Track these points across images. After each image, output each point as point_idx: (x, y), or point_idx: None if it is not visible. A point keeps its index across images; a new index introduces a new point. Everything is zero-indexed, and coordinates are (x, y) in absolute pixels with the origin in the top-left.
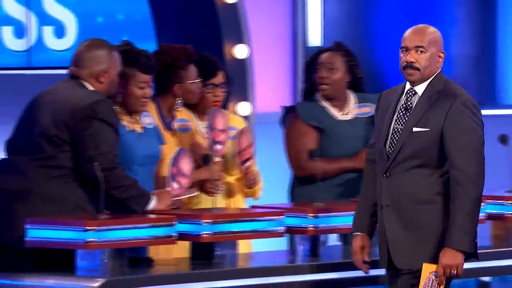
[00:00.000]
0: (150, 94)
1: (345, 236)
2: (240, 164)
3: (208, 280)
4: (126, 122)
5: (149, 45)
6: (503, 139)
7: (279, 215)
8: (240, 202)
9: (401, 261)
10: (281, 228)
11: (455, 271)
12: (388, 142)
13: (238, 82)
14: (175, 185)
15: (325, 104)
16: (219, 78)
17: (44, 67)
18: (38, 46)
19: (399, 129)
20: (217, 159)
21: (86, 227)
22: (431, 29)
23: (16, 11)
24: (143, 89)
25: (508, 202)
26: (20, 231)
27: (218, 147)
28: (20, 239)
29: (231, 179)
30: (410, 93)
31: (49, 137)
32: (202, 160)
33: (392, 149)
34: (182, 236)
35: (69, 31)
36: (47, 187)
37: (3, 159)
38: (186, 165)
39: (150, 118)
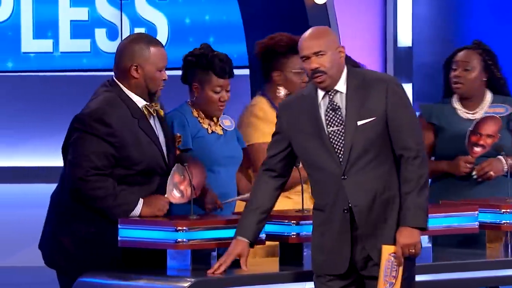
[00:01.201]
0: (226, 98)
1: None
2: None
3: (296, 281)
4: (206, 125)
5: (239, 47)
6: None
7: None
8: None
9: (379, 256)
10: None
11: (413, 250)
12: (332, 147)
13: None
14: (176, 194)
15: (456, 105)
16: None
17: None
18: None
19: (338, 131)
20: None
21: (177, 227)
22: (320, 30)
23: (110, 13)
24: (218, 93)
25: (504, 210)
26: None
27: (477, 149)
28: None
29: None
30: (332, 94)
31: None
32: None
33: (342, 151)
34: (270, 237)
35: (161, 33)
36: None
37: None
38: (196, 176)
39: (229, 120)
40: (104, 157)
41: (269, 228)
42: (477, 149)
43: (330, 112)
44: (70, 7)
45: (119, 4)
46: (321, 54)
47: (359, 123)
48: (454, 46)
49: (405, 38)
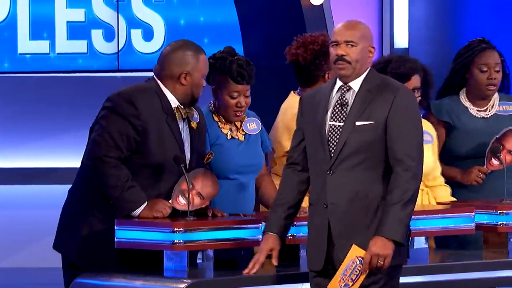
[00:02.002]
0: (244, 104)
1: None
2: None
3: (293, 282)
4: (226, 130)
5: (235, 48)
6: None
7: None
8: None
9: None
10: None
11: (382, 262)
12: (327, 140)
13: None
14: (182, 200)
15: (468, 104)
16: (412, 83)
17: (133, 69)
18: (126, 49)
19: (338, 126)
20: None
21: (174, 229)
22: (362, 24)
23: (106, 14)
24: (235, 98)
25: (500, 211)
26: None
27: (495, 162)
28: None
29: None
30: (344, 89)
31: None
32: None
33: (335, 146)
34: None
35: (157, 34)
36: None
37: None
38: (207, 187)
39: (255, 123)
40: (126, 138)
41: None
42: (495, 163)
43: (338, 106)
44: (67, 8)
45: (116, 5)
46: (352, 45)
47: (357, 123)
48: (451, 48)
49: (401, 39)
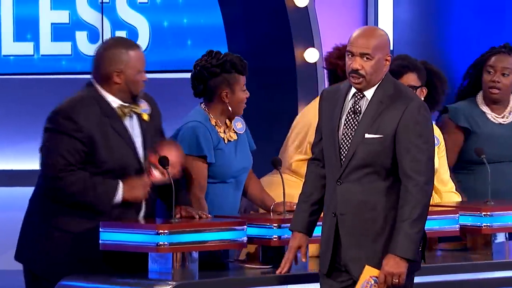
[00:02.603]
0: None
1: None
2: None
3: (278, 284)
4: (222, 133)
5: (220, 50)
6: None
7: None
8: None
9: (358, 270)
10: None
11: (397, 280)
12: (339, 148)
13: (308, 85)
14: (156, 173)
15: (485, 108)
16: (405, 80)
17: None
18: None
19: (349, 134)
20: None
21: (158, 231)
22: (378, 32)
23: (91, 16)
24: (245, 91)
25: (484, 213)
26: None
27: None
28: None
29: None
30: (358, 96)
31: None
32: None
33: (345, 155)
34: (251, 240)
35: (142, 36)
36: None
37: None
38: (172, 155)
39: (241, 122)
40: (75, 152)
41: (251, 231)
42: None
43: (351, 114)
44: (51, 9)
45: (100, 7)
46: (368, 58)
47: (367, 135)
48: (435, 50)
49: None
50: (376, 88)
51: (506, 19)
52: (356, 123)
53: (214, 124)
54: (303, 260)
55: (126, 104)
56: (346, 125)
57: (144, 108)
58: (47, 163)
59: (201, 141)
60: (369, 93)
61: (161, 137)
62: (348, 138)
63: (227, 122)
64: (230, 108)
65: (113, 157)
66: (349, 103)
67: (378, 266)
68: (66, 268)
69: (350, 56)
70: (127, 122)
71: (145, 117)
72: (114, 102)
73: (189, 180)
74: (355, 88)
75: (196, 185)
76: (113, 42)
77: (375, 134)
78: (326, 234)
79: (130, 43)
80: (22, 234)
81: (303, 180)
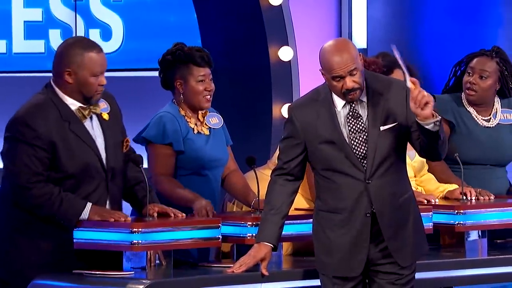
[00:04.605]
0: (212, 88)
1: None
2: None
3: (252, 283)
4: (193, 124)
5: None
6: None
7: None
8: None
9: (405, 258)
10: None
11: (422, 97)
12: (353, 152)
13: (283, 84)
14: None
15: (470, 108)
16: (396, 76)
17: None
18: None
19: (360, 137)
20: None
21: (132, 229)
22: (346, 42)
23: (64, 14)
24: (202, 82)
25: (458, 211)
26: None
27: None
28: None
29: None
30: (354, 103)
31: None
32: None
33: (363, 155)
34: (226, 238)
35: (116, 34)
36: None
37: None
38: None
39: (217, 118)
40: (38, 161)
41: (225, 229)
42: None
43: (352, 120)
44: (24, 7)
45: (74, 4)
46: (354, 73)
47: (382, 128)
48: (408, 48)
49: (360, 40)
50: (366, 87)
51: (478, 18)
52: (362, 124)
53: (184, 115)
54: (264, 273)
55: (85, 106)
56: (352, 130)
57: (103, 107)
58: (13, 172)
59: (167, 129)
60: (362, 96)
61: (123, 135)
62: (360, 140)
63: (199, 117)
64: (185, 101)
65: (75, 161)
66: (341, 112)
67: (415, 249)
68: (34, 272)
69: (338, 79)
70: (87, 123)
71: (105, 116)
72: (73, 104)
73: (150, 167)
74: (354, 100)
75: (159, 167)
76: (72, 42)
77: (389, 123)
78: (352, 237)
79: (90, 44)
80: None
81: (267, 190)
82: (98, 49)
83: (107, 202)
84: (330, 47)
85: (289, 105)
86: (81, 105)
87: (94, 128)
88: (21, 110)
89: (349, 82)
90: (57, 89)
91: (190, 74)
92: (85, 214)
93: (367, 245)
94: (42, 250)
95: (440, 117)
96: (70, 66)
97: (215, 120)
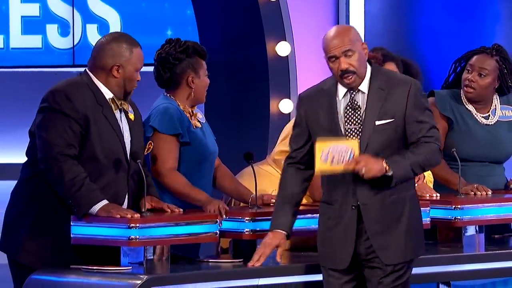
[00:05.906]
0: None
1: None
2: None
3: (249, 278)
4: (190, 119)
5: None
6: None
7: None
8: None
9: (389, 257)
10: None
11: (362, 170)
12: None
13: (280, 79)
14: None
15: (469, 106)
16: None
17: None
18: (82, 44)
19: (355, 129)
20: None
21: (130, 224)
22: (347, 27)
23: (61, 9)
24: (207, 76)
25: (455, 206)
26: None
27: None
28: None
29: None
30: (354, 93)
31: (31, 134)
32: None
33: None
34: (224, 233)
35: (113, 29)
36: (27, 188)
37: None
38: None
39: (200, 113)
40: (73, 132)
41: (223, 225)
42: None
43: (350, 110)
44: (21, 2)
45: (71, 0)
46: (350, 54)
47: (377, 123)
48: (405, 43)
49: None
50: (370, 79)
51: (476, 13)
52: (359, 116)
53: (183, 109)
54: (278, 260)
55: (117, 98)
56: (348, 121)
57: (130, 109)
58: (46, 141)
59: (174, 120)
60: (364, 86)
61: (142, 138)
62: (355, 132)
63: (190, 111)
64: (193, 94)
65: (103, 145)
66: (342, 101)
67: (405, 250)
68: (50, 257)
69: (334, 60)
70: (117, 114)
71: (131, 116)
72: (107, 93)
73: (158, 158)
74: (351, 86)
75: (167, 160)
76: (118, 36)
77: (385, 119)
78: (341, 229)
79: (134, 40)
80: (5, 225)
81: (280, 179)
82: (140, 45)
83: (126, 197)
84: (330, 31)
85: (299, 93)
86: (114, 96)
87: (122, 122)
88: (59, 84)
89: (343, 63)
90: (93, 77)
91: (200, 68)
92: (95, 209)
93: (354, 238)
94: (41, 245)
95: (391, 172)
96: (119, 61)
97: (200, 114)
